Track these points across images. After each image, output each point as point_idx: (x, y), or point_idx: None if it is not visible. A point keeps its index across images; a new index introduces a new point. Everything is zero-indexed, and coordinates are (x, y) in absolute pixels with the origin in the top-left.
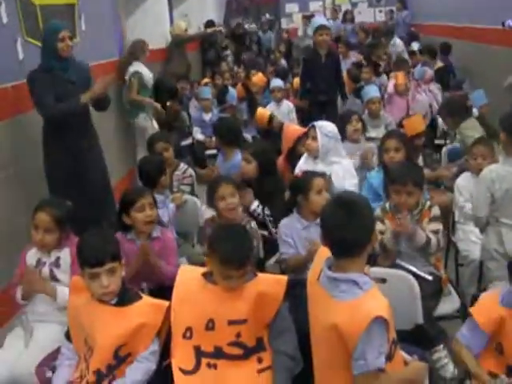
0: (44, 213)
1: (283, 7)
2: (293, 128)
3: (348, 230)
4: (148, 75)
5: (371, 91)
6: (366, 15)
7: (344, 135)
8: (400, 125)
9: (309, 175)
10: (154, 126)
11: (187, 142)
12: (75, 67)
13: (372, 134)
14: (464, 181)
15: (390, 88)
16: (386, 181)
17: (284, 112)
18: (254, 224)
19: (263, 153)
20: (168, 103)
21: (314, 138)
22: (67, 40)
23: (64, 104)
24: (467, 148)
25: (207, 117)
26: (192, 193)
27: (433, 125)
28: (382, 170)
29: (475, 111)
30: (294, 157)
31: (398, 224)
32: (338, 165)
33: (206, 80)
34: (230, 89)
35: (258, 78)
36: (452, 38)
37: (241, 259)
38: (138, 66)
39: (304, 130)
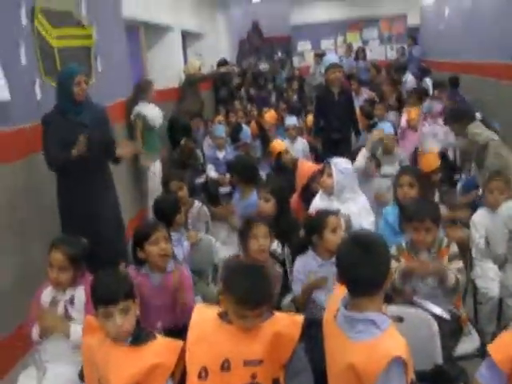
0: (58, 251)
1: (295, 45)
2: (307, 165)
3: (364, 268)
4: (155, 115)
5: (385, 128)
6: (378, 52)
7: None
8: (414, 159)
9: (323, 214)
10: (154, 169)
11: (201, 179)
12: (90, 110)
13: (386, 170)
14: (479, 217)
15: (403, 123)
16: (401, 217)
17: (298, 149)
18: (278, 267)
19: (280, 191)
20: (182, 141)
21: (330, 175)
22: (83, 84)
23: (61, 155)
24: (484, 179)
25: (221, 155)
26: (207, 231)
27: (445, 159)
28: (397, 206)
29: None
30: (308, 194)
31: (420, 266)
32: (354, 202)
33: (220, 118)
34: (244, 127)
35: (269, 115)
36: (461, 73)
37: (257, 299)
38: (142, 107)
39: (318, 167)
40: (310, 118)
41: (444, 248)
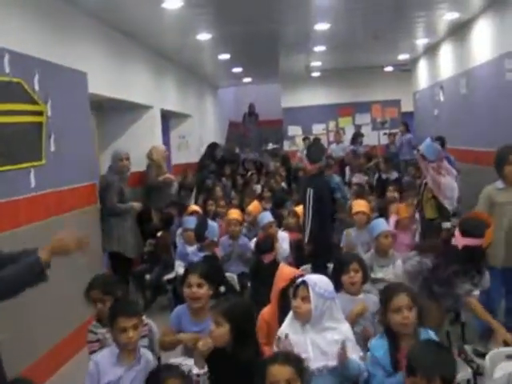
0: None
1: (286, 129)
2: (289, 270)
3: None
4: None
5: (380, 224)
6: (370, 138)
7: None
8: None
9: (271, 358)
10: None
11: (170, 275)
12: None
13: (378, 274)
14: None
15: (392, 224)
16: (392, 350)
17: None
18: None
19: (237, 312)
20: (159, 233)
21: (305, 299)
22: None
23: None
24: None
25: (190, 249)
26: (151, 345)
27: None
28: (386, 336)
29: None
30: (285, 307)
31: None
32: (334, 331)
33: (194, 208)
34: (210, 223)
35: (254, 206)
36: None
37: None
38: None
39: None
40: (299, 209)
41: None
